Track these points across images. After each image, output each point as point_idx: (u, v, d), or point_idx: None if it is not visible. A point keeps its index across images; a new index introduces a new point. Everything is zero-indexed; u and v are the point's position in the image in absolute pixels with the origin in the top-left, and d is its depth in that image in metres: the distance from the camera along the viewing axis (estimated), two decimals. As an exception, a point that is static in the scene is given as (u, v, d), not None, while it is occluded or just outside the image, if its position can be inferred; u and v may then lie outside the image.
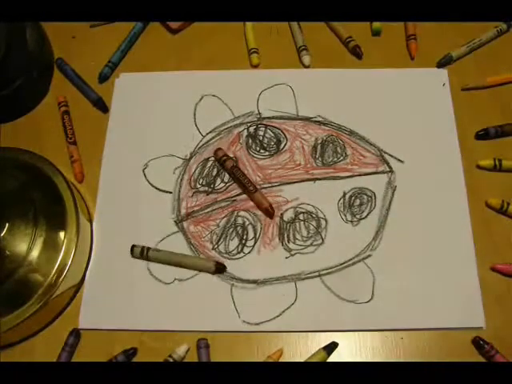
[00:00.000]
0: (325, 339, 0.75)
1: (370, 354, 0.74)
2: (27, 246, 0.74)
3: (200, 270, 0.78)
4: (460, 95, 0.89)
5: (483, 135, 0.86)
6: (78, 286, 0.79)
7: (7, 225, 0.74)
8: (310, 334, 0.76)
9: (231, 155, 0.86)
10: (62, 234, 0.76)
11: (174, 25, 0.96)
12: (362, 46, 0.93)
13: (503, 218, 0.81)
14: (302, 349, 0.75)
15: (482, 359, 0.73)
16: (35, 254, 0.74)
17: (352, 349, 0.75)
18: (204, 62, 0.94)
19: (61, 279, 0.74)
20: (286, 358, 0.74)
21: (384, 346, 0.75)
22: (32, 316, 0.73)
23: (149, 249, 0.79)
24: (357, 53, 0.93)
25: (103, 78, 0.93)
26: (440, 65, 0.91)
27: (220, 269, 0.78)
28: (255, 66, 0.93)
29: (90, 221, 0.83)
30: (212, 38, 0.96)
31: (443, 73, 0.91)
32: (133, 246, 0.79)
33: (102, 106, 0.90)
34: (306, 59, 0.92)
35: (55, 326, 0.78)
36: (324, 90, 0.91)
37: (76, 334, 0.75)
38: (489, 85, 0.89)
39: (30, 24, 0.90)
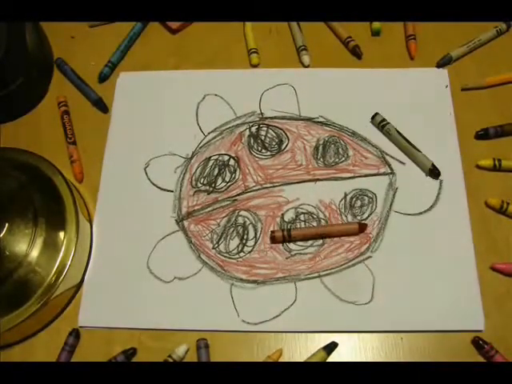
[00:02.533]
0: (324, 339, 0.75)
1: (369, 354, 0.74)
2: (27, 246, 0.74)
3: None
4: (460, 95, 0.89)
5: (483, 135, 0.86)
6: (78, 287, 0.79)
7: (7, 225, 0.74)
8: (309, 334, 0.76)
9: (233, 155, 0.86)
10: (61, 234, 0.77)
11: (174, 25, 0.96)
12: (362, 46, 0.93)
13: (503, 218, 0.81)
14: (301, 349, 0.75)
15: (481, 359, 0.73)
16: (35, 254, 0.74)
17: (352, 349, 0.75)
18: (204, 62, 0.94)
19: (60, 279, 0.75)
20: (285, 358, 0.74)
21: (384, 346, 0.75)
22: (32, 316, 0.73)
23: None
24: (356, 53, 0.93)
25: (103, 78, 0.93)
26: (440, 65, 0.92)
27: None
28: (255, 66, 0.93)
29: (90, 221, 0.83)
30: (212, 38, 0.97)
31: (443, 73, 0.91)
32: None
33: (102, 106, 0.91)
34: (306, 59, 0.92)
35: (55, 326, 0.78)
36: (325, 90, 0.91)
37: (76, 334, 0.75)
38: (488, 85, 0.90)
39: (30, 24, 0.90)
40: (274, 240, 0.80)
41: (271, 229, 0.81)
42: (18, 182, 0.79)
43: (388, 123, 0.86)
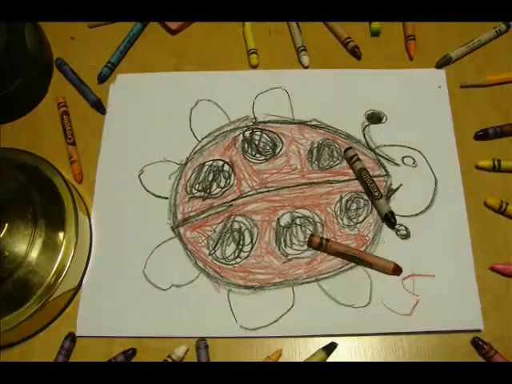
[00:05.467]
0: (324, 340, 0.75)
1: (369, 355, 0.75)
2: (26, 246, 0.74)
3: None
4: (459, 96, 0.89)
5: (482, 136, 0.85)
6: (76, 289, 0.79)
7: (6, 225, 0.74)
8: (309, 338, 0.76)
9: (227, 160, 0.86)
10: (61, 235, 0.77)
11: (174, 25, 0.96)
12: (361, 47, 0.93)
13: (502, 218, 0.81)
14: (301, 350, 0.75)
15: (481, 359, 0.74)
16: (34, 254, 0.74)
17: (351, 349, 0.75)
18: (203, 62, 0.94)
19: (60, 280, 0.75)
20: (285, 360, 0.75)
21: (384, 347, 0.75)
22: (31, 317, 0.73)
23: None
24: (356, 53, 0.92)
25: (102, 78, 0.93)
26: (439, 65, 0.91)
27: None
28: (254, 67, 0.93)
29: (90, 221, 0.83)
30: (211, 39, 0.96)
31: (442, 73, 0.91)
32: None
33: (101, 108, 0.90)
34: (305, 59, 0.92)
35: (54, 327, 0.78)
36: (322, 92, 0.90)
37: (72, 338, 0.76)
38: (488, 83, 0.89)
39: (29, 24, 0.90)
40: (310, 244, 0.80)
41: (267, 233, 0.81)
42: (18, 182, 0.79)
43: (358, 159, 0.84)
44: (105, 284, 0.79)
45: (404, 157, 0.85)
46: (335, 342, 0.75)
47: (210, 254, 0.80)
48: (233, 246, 0.80)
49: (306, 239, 0.80)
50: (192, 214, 0.83)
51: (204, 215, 0.83)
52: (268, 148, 0.87)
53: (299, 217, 0.82)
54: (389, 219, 0.80)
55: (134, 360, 0.75)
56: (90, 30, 0.98)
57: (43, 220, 0.76)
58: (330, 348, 0.74)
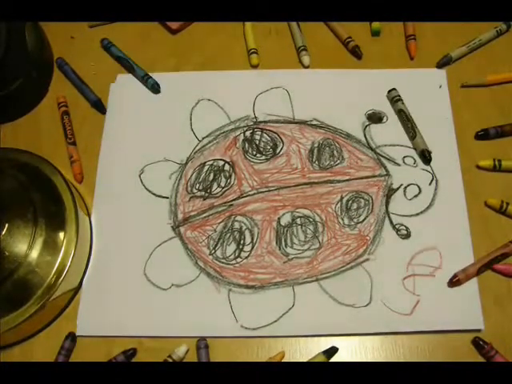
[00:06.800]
0: (325, 341, 0.75)
1: (370, 355, 0.75)
2: (26, 246, 0.74)
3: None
4: (459, 95, 0.89)
5: (483, 135, 0.85)
6: (77, 290, 0.79)
7: (7, 225, 0.74)
8: (309, 337, 0.76)
9: (228, 159, 0.86)
10: (61, 235, 0.77)
11: (174, 25, 0.96)
12: (362, 47, 0.93)
13: (502, 218, 0.81)
14: (301, 351, 0.75)
15: (481, 359, 0.73)
16: (34, 254, 0.74)
17: (352, 349, 0.75)
18: (203, 62, 0.94)
19: (60, 280, 0.75)
20: (285, 359, 0.75)
21: (384, 347, 0.75)
22: (30, 317, 0.73)
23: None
24: (356, 53, 0.92)
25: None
26: (439, 65, 0.91)
27: None
28: (255, 67, 0.93)
29: (90, 220, 0.83)
30: (211, 39, 0.96)
31: (442, 73, 0.91)
32: None
33: (101, 107, 0.90)
34: (306, 59, 0.92)
35: (54, 327, 0.78)
36: (322, 92, 0.90)
37: (72, 337, 0.76)
38: (489, 83, 0.89)
39: (30, 24, 0.90)
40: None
41: (267, 233, 0.81)
42: (18, 182, 0.78)
43: (400, 100, 0.88)
44: (105, 284, 0.79)
45: (405, 157, 0.85)
46: (336, 343, 0.75)
47: (210, 254, 0.80)
48: (233, 246, 0.80)
49: (307, 239, 0.80)
50: (192, 213, 0.83)
51: (204, 215, 0.82)
52: (268, 148, 0.87)
53: (300, 216, 0.82)
54: (424, 155, 0.83)
55: (134, 360, 0.75)
56: (90, 29, 0.98)
57: (43, 220, 0.76)
58: (330, 352, 0.74)
